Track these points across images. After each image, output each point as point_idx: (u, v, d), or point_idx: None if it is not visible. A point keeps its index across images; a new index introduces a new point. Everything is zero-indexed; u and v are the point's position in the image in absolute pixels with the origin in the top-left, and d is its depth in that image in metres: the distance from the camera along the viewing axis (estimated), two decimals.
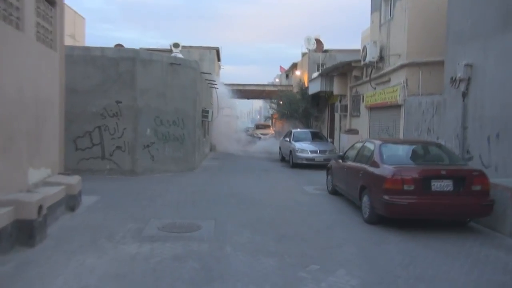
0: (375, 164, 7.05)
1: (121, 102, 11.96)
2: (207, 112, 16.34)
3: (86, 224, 6.53)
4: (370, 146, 7.79)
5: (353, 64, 16.24)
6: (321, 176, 13.41)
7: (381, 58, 14.31)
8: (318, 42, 31.56)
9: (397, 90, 12.75)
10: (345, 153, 9.30)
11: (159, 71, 12.60)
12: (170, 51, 25.72)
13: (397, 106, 13.01)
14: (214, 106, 21.32)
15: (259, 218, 7.27)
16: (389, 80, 13.81)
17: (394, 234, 6.33)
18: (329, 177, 10.19)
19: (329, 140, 17.83)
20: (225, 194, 9.74)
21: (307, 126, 23.44)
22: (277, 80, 54.00)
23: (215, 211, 7.78)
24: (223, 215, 7.45)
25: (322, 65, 29.74)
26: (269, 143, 27.35)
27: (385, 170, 6.62)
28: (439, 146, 7.72)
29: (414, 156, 7.35)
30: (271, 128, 41.49)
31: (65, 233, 5.98)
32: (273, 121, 48.30)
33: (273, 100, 48.88)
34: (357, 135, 16.93)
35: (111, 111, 11.95)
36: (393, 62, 13.51)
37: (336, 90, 19.21)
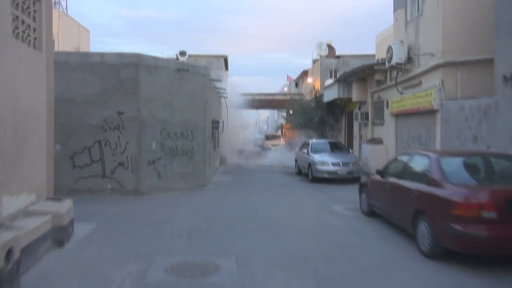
0: (435, 183, 5.62)
1: (123, 113, 10.70)
2: (218, 122, 15.05)
3: (75, 267, 5.17)
4: (423, 160, 6.38)
5: (375, 67, 14.89)
6: (347, 192, 12.02)
7: (409, 59, 12.94)
8: (330, 47, 30.33)
9: (431, 93, 11.35)
10: (385, 167, 7.88)
11: (165, 78, 11.35)
12: (177, 60, 24.62)
13: (432, 112, 11.59)
14: (223, 116, 20.06)
15: (290, 252, 5.87)
16: (420, 83, 12.42)
17: (471, 275, 4.88)
18: (363, 195, 8.77)
19: (350, 150, 16.40)
20: (244, 217, 8.35)
21: (322, 135, 22.04)
22: (285, 89, 52.79)
23: (235, 242, 6.39)
24: (245, 248, 6.06)
25: (335, 71, 28.47)
26: (281, 154, 25.95)
27: (453, 191, 5.20)
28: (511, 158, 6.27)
29: (484, 172, 5.94)
30: (281, 139, 40.11)
31: (44, 283, 4.62)
32: (283, 131, 46.99)
33: (284, 110, 47.74)
34: (381, 145, 15.51)
35: (112, 123, 10.68)
36: (424, 63, 12.13)
37: (355, 96, 17.83)
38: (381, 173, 7.72)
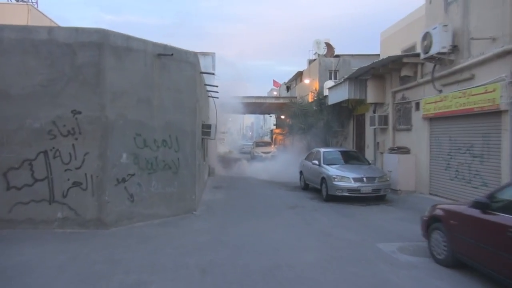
0: None
1: (80, 113, 7.61)
2: (209, 127, 12.01)
3: None
4: None
5: (404, 60, 12.13)
6: (382, 217, 9.21)
7: (454, 47, 10.23)
8: (329, 46, 27.76)
9: (495, 89, 8.63)
10: (492, 194, 5.00)
11: (140, 65, 8.31)
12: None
13: (494, 114, 8.87)
14: (212, 120, 17.06)
15: None
16: (471, 77, 9.71)
17: None
18: (436, 236, 5.87)
19: (370, 162, 13.56)
20: (258, 271, 5.35)
21: (325, 143, 19.23)
22: (275, 93, 50.07)
23: None
24: None
25: (335, 71, 25.84)
26: (275, 163, 23.05)
27: None
28: None
29: None
30: (272, 146, 37.24)
31: None
32: (274, 137, 44.17)
33: (274, 114, 44.82)
34: (409, 155, 12.75)
35: (64, 126, 7.57)
36: (478, 52, 9.43)
37: (370, 97, 15.08)
38: (484, 205, 4.84)
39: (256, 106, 36.72)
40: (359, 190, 11.16)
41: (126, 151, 8.02)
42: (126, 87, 8.04)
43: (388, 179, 11.69)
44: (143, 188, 8.34)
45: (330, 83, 24.63)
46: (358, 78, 15.91)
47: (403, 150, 12.92)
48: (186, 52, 9.37)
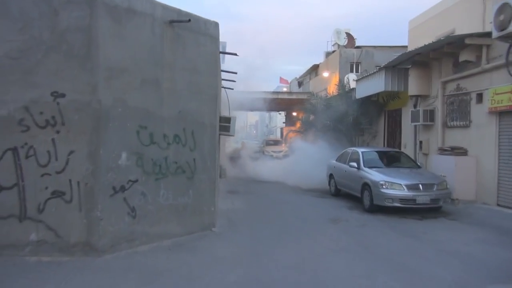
0: None
1: (63, 96, 5.52)
2: (228, 121, 9.88)
3: None
4: None
5: (467, 41, 9.94)
6: (462, 241, 6.96)
7: None
8: (349, 36, 25.62)
9: None
10: None
11: (147, 34, 6.20)
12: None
13: None
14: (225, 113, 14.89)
15: None
16: None
17: None
18: None
19: (419, 164, 11.37)
20: None
21: (350, 142, 17.08)
22: (284, 89, 47.87)
23: None
24: None
25: (357, 64, 23.70)
26: (289, 164, 20.88)
27: None
28: None
29: None
30: (283, 145, 35.07)
31: None
32: (284, 135, 42.04)
33: (284, 112, 42.62)
34: (467, 156, 10.60)
35: (41, 114, 5.49)
36: None
37: (413, 88, 12.91)
38: None
39: (266, 103, 34.61)
40: (414, 200, 9.01)
41: (127, 150, 5.92)
42: (127, 63, 5.93)
43: (447, 186, 9.54)
44: (149, 199, 6.24)
45: (352, 76, 22.54)
46: (396, 67, 13.75)
47: (459, 151, 10.76)
48: (206, 22, 7.23)
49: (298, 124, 29.92)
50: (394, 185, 9.23)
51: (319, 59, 30.03)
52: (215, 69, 7.44)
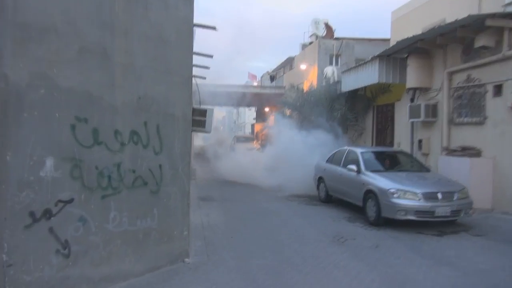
0: None
1: None
2: (203, 113, 7.85)
3: None
4: None
5: (488, 23, 8.40)
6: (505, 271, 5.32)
7: None
8: (328, 27, 24.06)
9: None
10: None
11: None
12: None
13: None
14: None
15: None
16: None
17: None
18: None
19: (428, 167, 9.77)
20: None
21: (337, 140, 15.42)
22: (255, 83, 46.02)
23: None
24: None
25: (337, 56, 22.15)
26: (264, 163, 19.06)
27: None
28: None
29: None
30: (255, 142, 33.23)
31: None
32: (256, 132, 40.23)
33: (253, 107, 40.80)
34: (480, 158, 9.16)
35: None
36: None
37: (412, 80, 11.40)
38: None
39: (236, 97, 32.66)
40: (433, 212, 7.39)
41: (54, 154, 3.85)
42: (55, 20, 3.85)
43: (469, 194, 7.99)
44: (92, 227, 4.19)
45: (330, 69, 20.99)
46: (392, 57, 12.21)
47: (471, 152, 9.30)
48: None
49: (271, 120, 28.13)
50: (407, 193, 7.57)
51: (293, 53, 28.42)
52: (189, 41, 5.45)
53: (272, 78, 36.16)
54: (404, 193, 7.58)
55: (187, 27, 5.39)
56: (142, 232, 4.75)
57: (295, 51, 28.20)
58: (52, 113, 3.83)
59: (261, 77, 41.58)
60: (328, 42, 22.11)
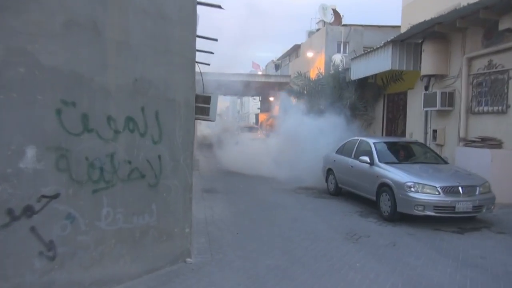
0: None
1: None
2: (207, 100, 7.34)
3: None
4: None
5: None
6: None
7: None
8: (336, 13, 23.37)
9: None
10: None
11: None
12: None
13: None
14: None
15: None
16: None
17: None
18: None
19: (445, 159, 9.20)
20: None
21: (346, 130, 14.86)
22: (259, 72, 45.33)
23: None
24: None
25: (345, 43, 21.48)
26: (269, 153, 18.54)
27: None
28: None
29: None
30: (259, 132, 32.70)
31: None
32: (260, 122, 39.67)
33: (259, 97, 40.12)
34: (502, 150, 8.61)
35: None
36: None
37: (427, 66, 10.81)
38: None
39: (241, 86, 32.04)
40: (453, 207, 6.87)
41: (37, 142, 3.35)
42: None
43: (490, 188, 7.46)
44: (81, 225, 3.72)
45: (338, 56, 20.37)
46: (405, 42, 11.59)
47: (492, 143, 8.75)
48: None
49: (277, 110, 27.59)
50: (426, 187, 7.05)
51: (299, 42, 27.64)
52: (192, 19, 4.90)
53: (277, 67, 35.51)
54: (422, 187, 7.06)
55: (190, 3, 4.84)
56: (139, 230, 4.28)
57: (301, 40, 27.45)
58: (33, 95, 3.33)
59: (266, 66, 40.88)
60: (336, 29, 21.44)
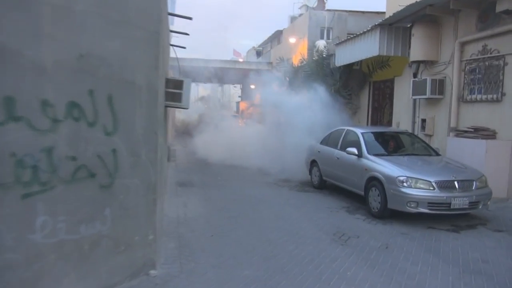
0: None
1: None
2: (180, 85, 6.51)
3: None
4: None
5: None
6: None
7: None
8: None
9: None
10: None
11: None
12: None
13: None
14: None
15: None
16: None
17: None
18: None
19: (437, 150, 8.63)
20: None
21: (326, 118, 14.25)
22: (240, 60, 44.30)
23: None
24: None
25: (328, 29, 20.76)
26: (248, 142, 17.82)
27: None
28: None
29: None
30: (240, 120, 31.88)
31: None
32: (241, 110, 38.81)
33: (240, 84, 39.11)
34: (496, 140, 8.11)
35: None
36: None
37: (416, 52, 10.21)
38: None
39: (221, 73, 31.02)
40: (449, 204, 6.31)
41: None
42: None
43: (487, 183, 6.93)
44: (7, 239, 2.92)
45: (322, 42, 19.64)
46: (394, 26, 10.95)
47: (485, 133, 8.23)
48: None
49: (258, 97, 26.83)
50: (419, 182, 6.47)
51: (281, 27, 26.78)
52: None
53: (259, 54, 34.60)
54: (415, 182, 6.47)
55: None
56: (88, 241, 3.50)
57: (283, 26, 26.57)
58: None
59: (247, 52, 39.87)
60: (319, 14, 20.66)
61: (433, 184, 6.40)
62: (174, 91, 6.46)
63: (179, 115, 37.55)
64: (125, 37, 3.73)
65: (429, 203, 6.33)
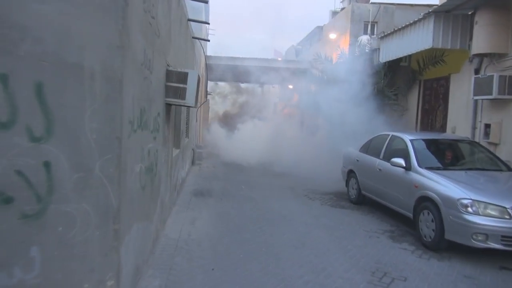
0: None
1: None
2: (184, 78, 5.34)
3: None
4: None
5: None
6: None
7: None
8: None
9: None
10: None
11: None
12: None
13: None
14: (197, 70, 10.22)
15: None
16: None
17: None
18: None
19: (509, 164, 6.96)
20: None
21: (364, 121, 12.64)
22: (279, 59, 43.06)
23: None
24: None
25: (373, 24, 19.00)
26: (284, 144, 16.56)
27: None
28: None
29: None
30: (273, 121, 30.52)
31: None
32: (278, 110, 37.48)
33: (281, 84, 37.89)
34: None
35: None
36: None
37: (480, 43, 8.44)
38: None
39: (258, 73, 29.83)
40: None
41: None
42: None
43: None
44: None
45: (366, 37, 17.93)
46: (452, 13, 9.24)
47: None
48: None
49: (295, 98, 25.55)
50: (489, 207, 4.90)
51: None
52: None
53: (298, 52, 33.11)
54: (484, 207, 4.91)
55: None
56: None
57: (323, 22, 25.01)
58: None
59: (286, 51, 38.49)
60: (362, 7, 18.92)
61: (509, 211, 4.81)
62: (177, 85, 5.31)
63: (220, 107, 37.05)
64: (66, 1, 2.57)
65: (503, 236, 4.75)
